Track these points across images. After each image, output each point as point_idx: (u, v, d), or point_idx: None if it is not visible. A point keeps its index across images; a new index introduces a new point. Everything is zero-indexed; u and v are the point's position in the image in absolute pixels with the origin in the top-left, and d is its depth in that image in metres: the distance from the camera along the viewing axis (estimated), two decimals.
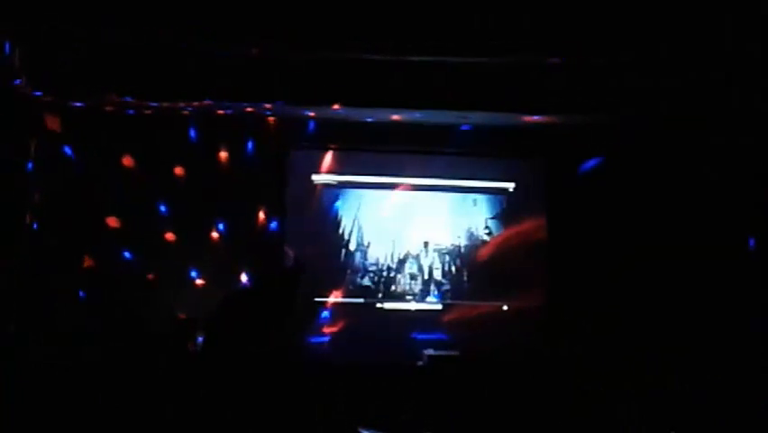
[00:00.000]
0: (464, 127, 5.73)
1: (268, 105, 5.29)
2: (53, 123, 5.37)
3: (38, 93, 5.06)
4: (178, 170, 5.62)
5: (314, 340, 5.58)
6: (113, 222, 5.51)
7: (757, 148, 4.97)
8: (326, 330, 5.64)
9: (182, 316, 5.13)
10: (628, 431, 4.13)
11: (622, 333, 5.18)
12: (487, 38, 4.67)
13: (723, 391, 4.22)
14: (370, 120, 5.63)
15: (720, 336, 4.94)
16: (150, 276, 5.51)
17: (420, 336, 5.63)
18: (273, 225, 5.70)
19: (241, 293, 4.18)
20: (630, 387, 4.41)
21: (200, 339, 4.26)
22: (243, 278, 5.54)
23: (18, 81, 4.78)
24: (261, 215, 5.69)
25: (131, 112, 5.46)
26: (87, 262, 5.43)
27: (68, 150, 5.48)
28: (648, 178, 5.48)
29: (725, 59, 4.55)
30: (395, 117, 5.55)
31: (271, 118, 5.66)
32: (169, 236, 5.59)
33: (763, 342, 4.74)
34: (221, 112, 5.50)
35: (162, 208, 5.60)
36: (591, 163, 5.67)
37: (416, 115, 5.43)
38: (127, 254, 5.52)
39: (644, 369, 4.60)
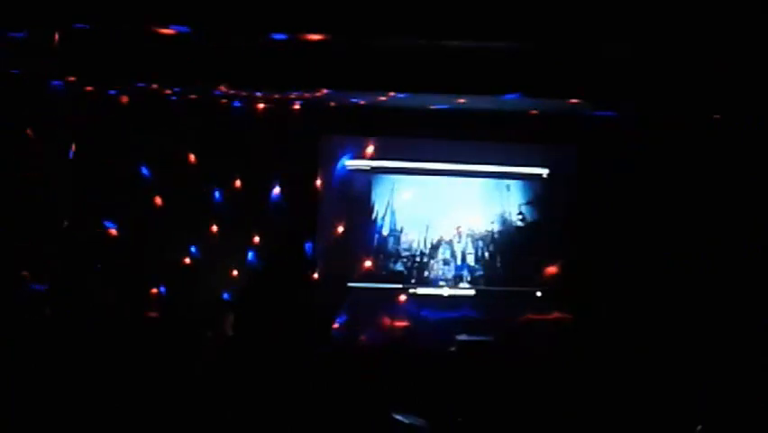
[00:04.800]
0: (497, 112, 5.69)
1: (301, 92, 5.33)
2: (92, 112, 5.51)
3: (79, 84, 5.20)
4: (213, 157, 5.72)
5: (345, 325, 5.63)
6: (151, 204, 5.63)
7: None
8: (358, 315, 5.68)
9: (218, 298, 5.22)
10: (651, 423, 4.08)
11: (649, 320, 5.13)
12: (521, 23, 4.63)
13: (743, 391, 4.14)
14: (402, 106, 5.63)
15: (736, 335, 4.86)
16: (188, 260, 5.63)
17: (452, 322, 5.64)
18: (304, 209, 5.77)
19: (260, 272, 4.24)
20: (653, 380, 4.36)
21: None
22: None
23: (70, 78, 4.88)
24: (294, 199, 5.77)
25: (171, 98, 5.58)
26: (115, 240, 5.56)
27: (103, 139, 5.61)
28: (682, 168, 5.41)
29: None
30: (427, 103, 5.56)
31: (304, 105, 5.71)
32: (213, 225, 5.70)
33: None
34: (260, 101, 5.58)
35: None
36: None
37: (450, 101, 5.43)
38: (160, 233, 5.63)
39: (672, 363, 4.55)
